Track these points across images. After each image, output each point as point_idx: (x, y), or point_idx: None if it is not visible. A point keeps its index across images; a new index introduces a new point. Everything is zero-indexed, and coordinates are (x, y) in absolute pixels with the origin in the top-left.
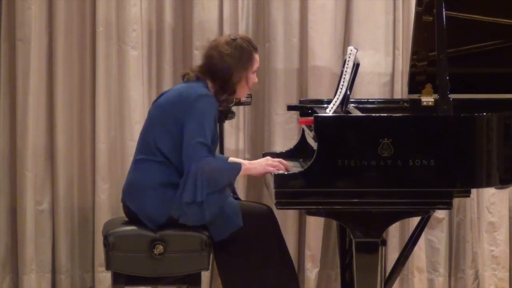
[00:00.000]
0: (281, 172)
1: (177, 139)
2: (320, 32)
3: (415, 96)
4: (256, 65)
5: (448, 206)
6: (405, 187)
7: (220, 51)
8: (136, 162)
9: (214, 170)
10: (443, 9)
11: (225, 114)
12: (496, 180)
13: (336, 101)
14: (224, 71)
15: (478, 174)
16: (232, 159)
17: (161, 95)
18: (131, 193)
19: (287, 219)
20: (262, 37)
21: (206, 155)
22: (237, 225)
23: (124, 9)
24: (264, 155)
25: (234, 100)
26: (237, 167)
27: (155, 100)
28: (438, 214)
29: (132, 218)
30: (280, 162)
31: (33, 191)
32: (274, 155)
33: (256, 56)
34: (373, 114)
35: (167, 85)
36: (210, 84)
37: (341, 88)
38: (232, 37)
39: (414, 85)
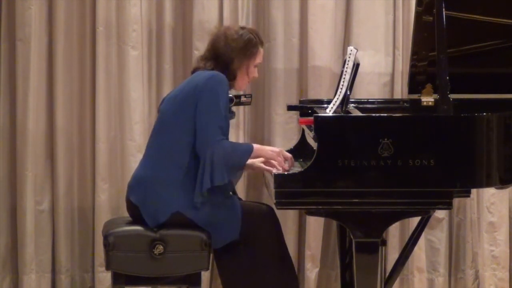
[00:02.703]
0: (281, 171)
1: (191, 126)
2: (320, 32)
3: (415, 96)
4: (258, 58)
5: (448, 206)
6: (405, 187)
7: (226, 36)
8: (146, 157)
9: (228, 153)
10: (443, 9)
11: None
12: (496, 180)
13: (336, 101)
14: (226, 55)
15: (478, 174)
16: None
17: (169, 94)
18: (138, 185)
19: (287, 219)
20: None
21: (221, 138)
22: (233, 236)
23: (124, 9)
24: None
25: (234, 99)
26: (249, 148)
27: (163, 99)
28: (438, 214)
29: (134, 215)
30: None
31: (33, 191)
32: None
33: (261, 50)
34: (373, 114)
35: (167, 85)
36: (216, 70)
37: (341, 88)
38: (241, 26)
39: (414, 85)
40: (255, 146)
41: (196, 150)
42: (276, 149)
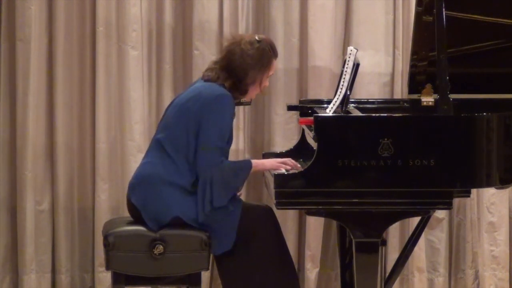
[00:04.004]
0: (282, 171)
1: (194, 138)
2: (320, 32)
3: (415, 96)
4: (272, 70)
5: (448, 206)
6: (405, 187)
7: (242, 49)
8: (147, 157)
9: (226, 176)
10: (443, 9)
11: None
12: (496, 180)
13: (336, 101)
14: (241, 70)
15: (478, 174)
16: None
17: (177, 96)
18: (139, 185)
19: (287, 219)
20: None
21: (220, 160)
22: (228, 245)
23: (124, 9)
24: (264, 155)
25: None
26: (248, 165)
27: (172, 102)
28: (438, 214)
29: (134, 215)
30: (289, 161)
31: (33, 191)
32: (274, 155)
33: (274, 62)
34: (373, 114)
35: (167, 85)
36: (227, 83)
37: (341, 88)
38: (257, 38)
39: (414, 85)
40: (254, 162)
41: (196, 169)
42: (271, 159)
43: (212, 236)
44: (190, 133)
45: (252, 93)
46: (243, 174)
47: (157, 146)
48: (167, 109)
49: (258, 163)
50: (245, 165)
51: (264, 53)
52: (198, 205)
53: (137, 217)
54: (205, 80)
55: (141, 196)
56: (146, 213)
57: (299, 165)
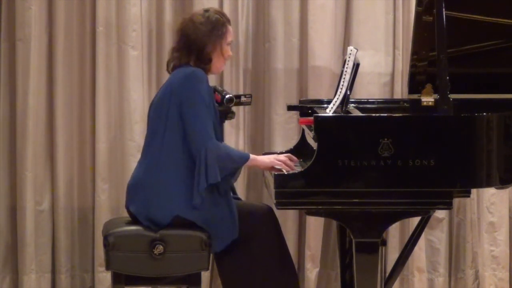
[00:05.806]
0: (283, 171)
1: (182, 126)
2: (320, 32)
3: (415, 96)
4: (229, 36)
5: (448, 206)
6: (405, 187)
7: (194, 22)
8: (143, 161)
9: (221, 154)
10: (443, 9)
11: (225, 114)
12: (496, 180)
13: (336, 101)
14: (198, 40)
15: (478, 174)
16: None
17: (154, 96)
18: (137, 191)
19: (287, 219)
20: (262, 37)
21: (211, 137)
22: (232, 236)
23: (124, 9)
24: (264, 155)
25: (234, 99)
26: (245, 156)
27: (151, 103)
28: (438, 214)
29: (135, 219)
30: (289, 158)
31: (33, 191)
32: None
33: (230, 28)
34: (373, 114)
35: None
36: (191, 61)
37: (341, 88)
38: (204, 9)
39: (414, 85)
40: (253, 156)
41: (192, 152)
42: (270, 156)
43: (211, 233)
44: (174, 123)
45: (218, 63)
46: (238, 160)
47: (147, 147)
48: (149, 112)
49: (258, 158)
50: (243, 154)
51: (216, 20)
52: (194, 186)
53: (137, 220)
54: (172, 71)
55: (138, 205)
56: (145, 220)
57: (294, 167)
